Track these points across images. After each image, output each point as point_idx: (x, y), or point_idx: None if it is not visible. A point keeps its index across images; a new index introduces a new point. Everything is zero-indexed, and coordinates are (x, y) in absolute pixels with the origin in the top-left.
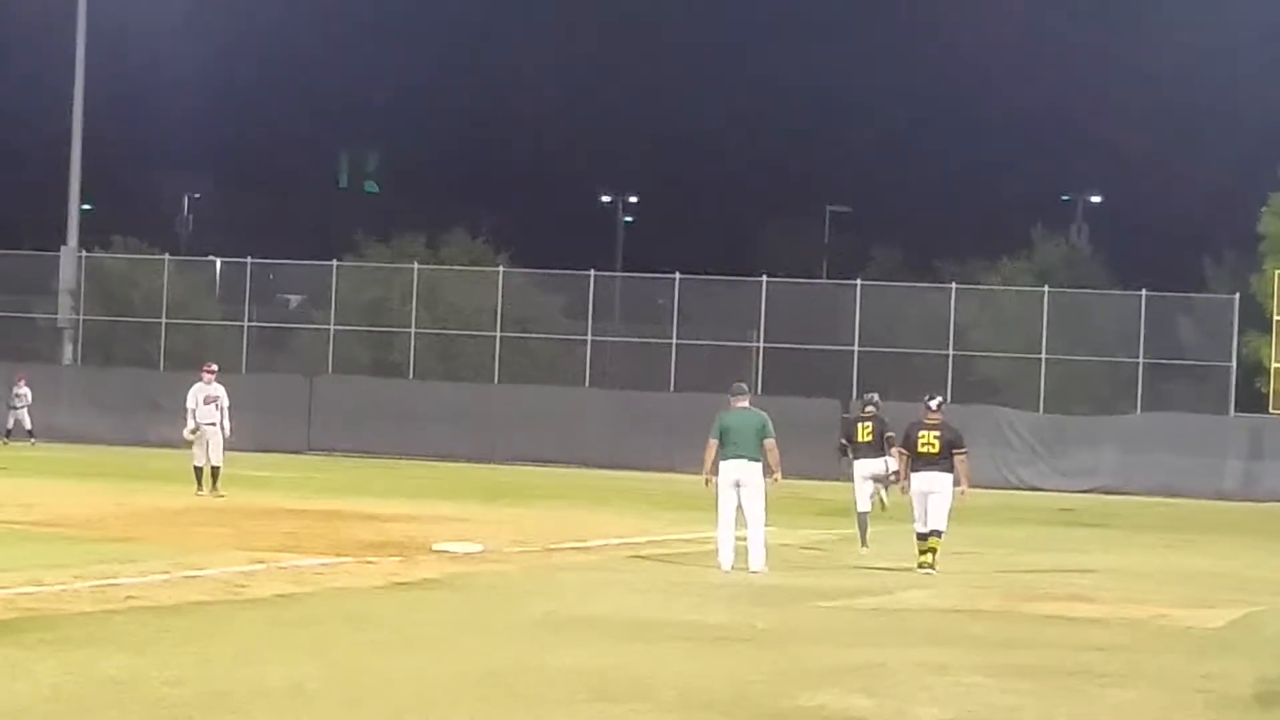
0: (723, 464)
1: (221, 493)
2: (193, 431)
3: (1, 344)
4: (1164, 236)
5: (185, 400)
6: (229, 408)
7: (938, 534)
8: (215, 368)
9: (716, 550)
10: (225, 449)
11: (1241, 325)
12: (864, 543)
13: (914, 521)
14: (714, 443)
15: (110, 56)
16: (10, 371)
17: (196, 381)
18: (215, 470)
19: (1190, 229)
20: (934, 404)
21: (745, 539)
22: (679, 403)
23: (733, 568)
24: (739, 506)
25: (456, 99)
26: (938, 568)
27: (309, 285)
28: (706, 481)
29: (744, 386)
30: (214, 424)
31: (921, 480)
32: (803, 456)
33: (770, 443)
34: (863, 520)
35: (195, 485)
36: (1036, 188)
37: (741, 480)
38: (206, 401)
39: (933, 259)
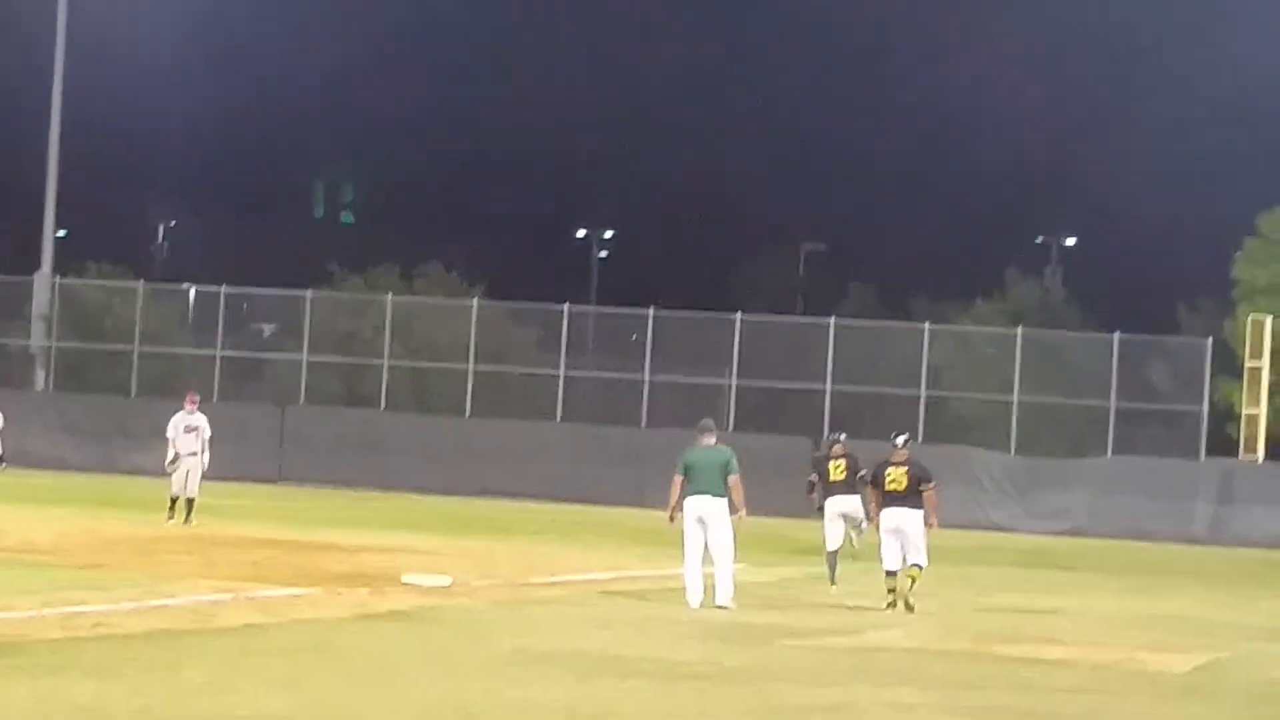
0: (687, 500)
1: (194, 522)
2: (172, 462)
3: None
4: (1137, 280)
5: (165, 430)
6: (210, 439)
7: (918, 567)
8: (198, 398)
9: (684, 588)
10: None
11: (1214, 370)
12: (833, 581)
13: (881, 561)
14: (679, 479)
15: (88, 84)
16: None
17: (178, 411)
18: (190, 501)
19: (1164, 273)
20: (900, 441)
21: (713, 576)
22: (651, 438)
23: (701, 604)
24: (705, 544)
25: (433, 132)
26: (915, 602)
27: (282, 315)
28: (671, 518)
29: (710, 423)
30: (194, 454)
31: (890, 517)
32: (775, 494)
33: (735, 479)
34: (832, 559)
35: (167, 513)
36: (1011, 230)
37: (705, 517)
38: (187, 431)
39: (907, 298)
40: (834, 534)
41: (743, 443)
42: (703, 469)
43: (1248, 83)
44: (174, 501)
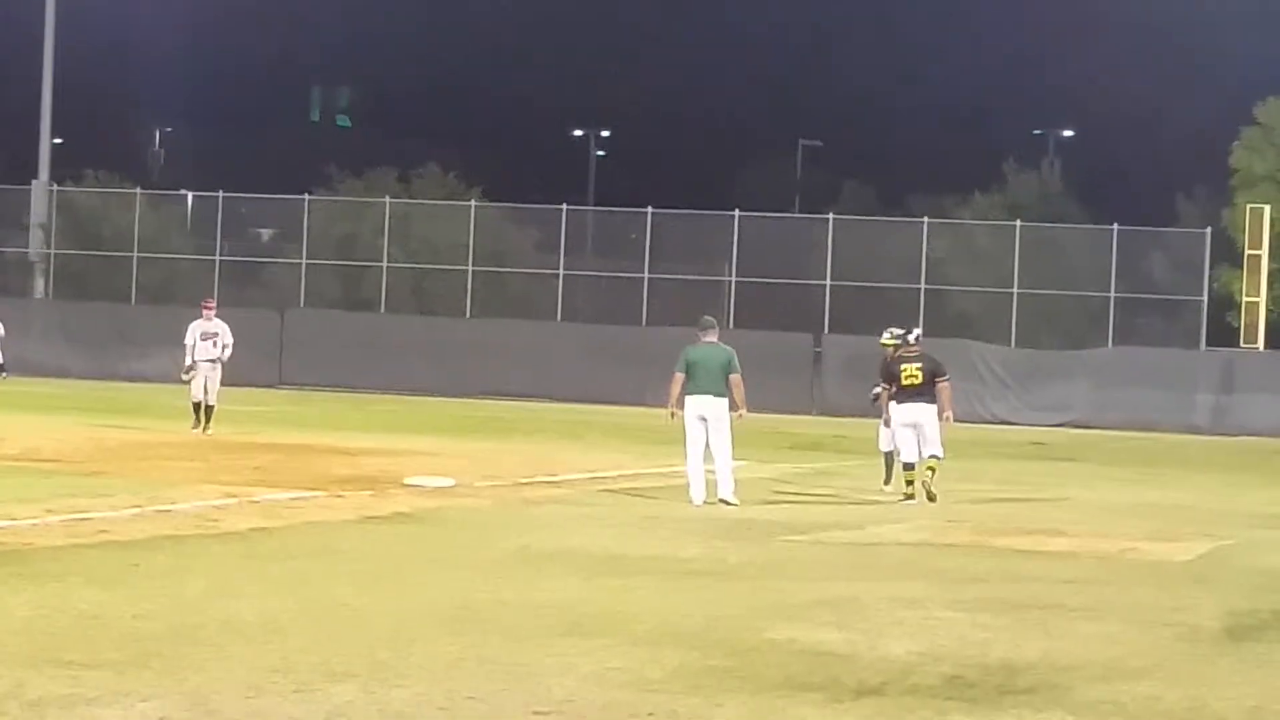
0: (689, 399)
1: (210, 430)
2: (188, 369)
3: None
4: (1136, 171)
5: (171, 336)
6: (231, 343)
7: (935, 457)
8: (213, 303)
9: (688, 485)
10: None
11: (1213, 260)
12: (888, 480)
13: (898, 454)
14: (679, 376)
15: None
16: None
17: (195, 319)
18: (209, 409)
19: (1162, 164)
20: (912, 337)
21: (714, 473)
22: (651, 337)
23: (704, 501)
24: (706, 441)
25: (429, 34)
26: (937, 491)
27: (281, 220)
28: (671, 415)
29: (712, 320)
30: (212, 361)
31: (907, 412)
32: (774, 390)
33: (736, 378)
34: (890, 459)
35: (191, 421)
36: (1008, 123)
37: (707, 415)
38: (204, 338)
39: (905, 194)
40: (902, 442)
41: (742, 340)
42: (704, 367)
43: None
44: (197, 409)
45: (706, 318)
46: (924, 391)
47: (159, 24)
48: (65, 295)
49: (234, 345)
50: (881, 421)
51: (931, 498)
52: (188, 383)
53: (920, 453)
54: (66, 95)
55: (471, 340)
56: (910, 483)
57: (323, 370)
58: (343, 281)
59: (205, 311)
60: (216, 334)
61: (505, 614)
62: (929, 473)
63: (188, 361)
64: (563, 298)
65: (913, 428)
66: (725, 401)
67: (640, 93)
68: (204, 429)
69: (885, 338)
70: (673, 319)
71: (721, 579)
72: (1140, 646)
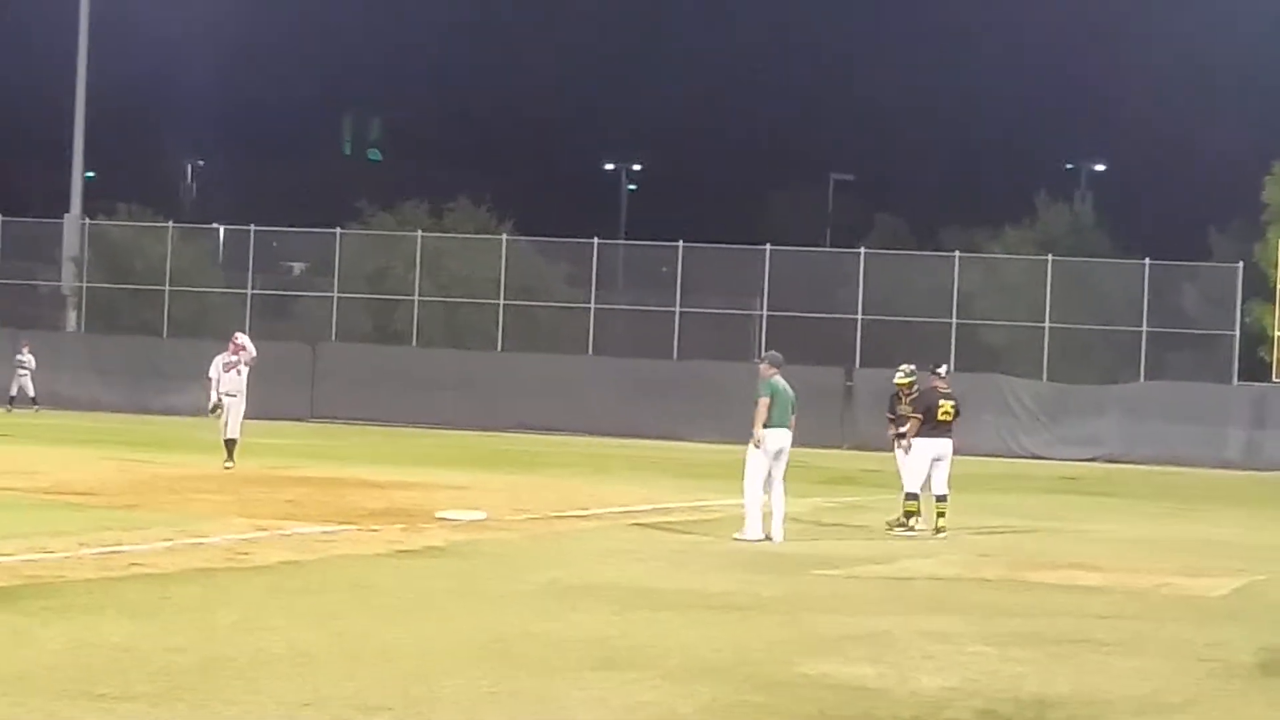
0: (768, 431)
1: (232, 464)
2: (214, 408)
3: (5, 311)
4: (1168, 205)
5: (204, 370)
6: (254, 353)
7: (945, 499)
8: (242, 339)
9: (745, 519)
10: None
11: (1245, 294)
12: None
13: (919, 487)
14: (767, 401)
15: (114, 24)
16: (14, 338)
17: (221, 352)
18: (230, 442)
19: (1194, 197)
20: (942, 370)
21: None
22: (682, 370)
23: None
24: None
25: (461, 67)
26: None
27: (312, 253)
28: (758, 442)
29: (780, 357)
30: (236, 394)
31: (936, 446)
32: (805, 425)
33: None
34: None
35: (224, 456)
36: (1040, 156)
37: (783, 449)
38: (227, 369)
39: (936, 227)
40: (919, 473)
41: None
42: (781, 401)
43: (1276, 3)
44: (229, 445)
45: (776, 354)
46: (952, 428)
47: (191, 57)
48: (97, 328)
49: (267, 379)
50: (901, 449)
51: (941, 530)
52: (217, 418)
53: (932, 487)
54: (99, 128)
55: (503, 374)
56: (910, 514)
57: (354, 403)
58: (374, 315)
59: (232, 346)
60: (238, 361)
61: (536, 647)
62: (940, 518)
63: (214, 397)
64: (594, 331)
65: (935, 461)
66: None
67: (672, 126)
68: (225, 462)
69: (899, 377)
70: (704, 352)
71: (753, 613)
72: (1174, 682)
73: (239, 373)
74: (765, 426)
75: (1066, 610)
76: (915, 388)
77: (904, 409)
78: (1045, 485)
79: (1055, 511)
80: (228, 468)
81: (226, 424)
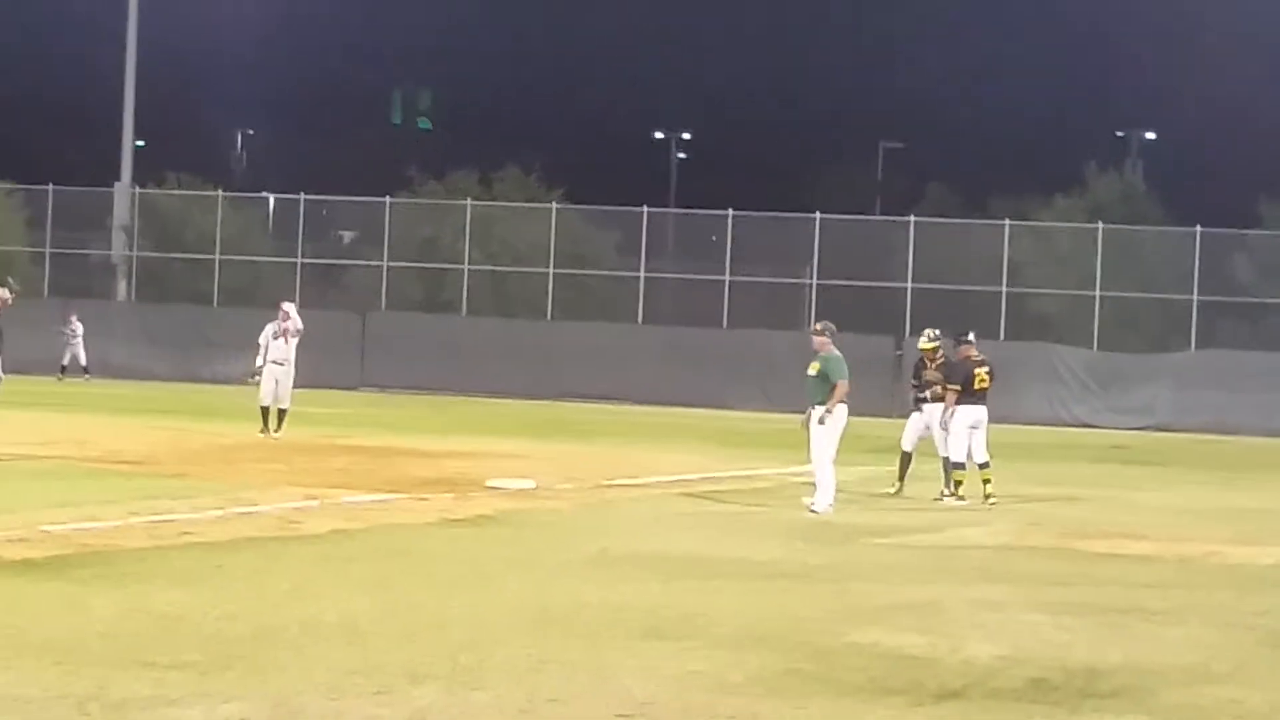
0: (841, 407)
1: (280, 434)
2: (256, 372)
3: (57, 280)
4: (1219, 173)
5: (256, 337)
6: (301, 327)
7: (989, 466)
8: (289, 307)
9: (825, 489)
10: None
11: None
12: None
13: (959, 455)
14: (847, 386)
15: None
16: (64, 308)
17: (273, 320)
18: (281, 412)
19: (1245, 165)
20: (971, 338)
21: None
22: (732, 339)
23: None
24: None
25: (511, 36)
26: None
27: (362, 222)
28: (821, 419)
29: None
30: (284, 363)
31: (974, 413)
32: (855, 393)
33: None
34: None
35: (260, 425)
36: (1090, 124)
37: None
38: (276, 336)
39: (986, 196)
40: (961, 442)
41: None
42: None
43: None
44: (265, 413)
45: (832, 325)
46: (986, 395)
47: (240, 26)
48: (147, 297)
49: (317, 348)
50: (939, 424)
51: (989, 497)
52: (256, 385)
53: (973, 455)
54: (148, 98)
55: (552, 342)
56: (960, 483)
57: (404, 372)
58: (424, 284)
59: (281, 314)
60: (288, 329)
61: (586, 616)
62: (987, 484)
63: (258, 362)
64: (643, 300)
65: (972, 429)
66: None
67: (722, 95)
68: (274, 431)
69: (924, 342)
70: (753, 321)
71: (802, 581)
72: (1223, 650)
73: (286, 341)
74: (844, 401)
75: (1116, 579)
76: (940, 353)
77: (930, 375)
78: (1095, 454)
79: (1105, 480)
80: (270, 436)
81: (272, 392)
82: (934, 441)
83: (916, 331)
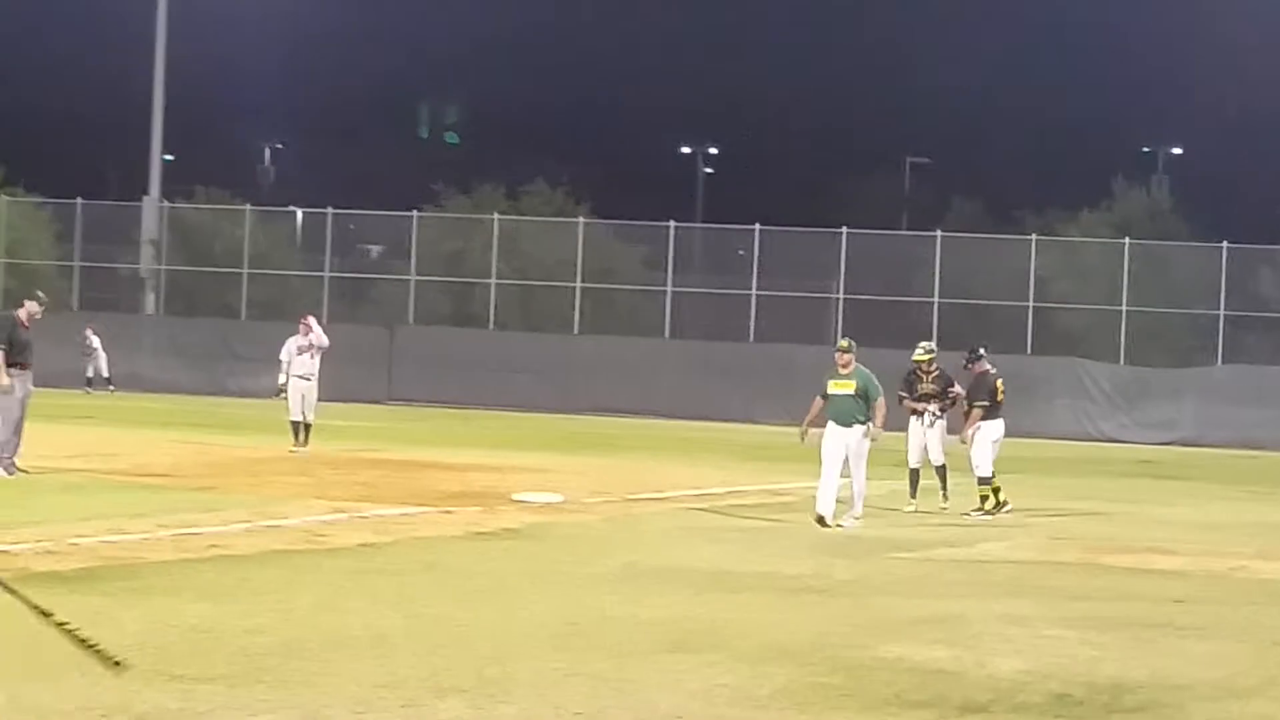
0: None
1: (308, 448)
2: (282, 388)
3: (85, 294)
4: (1245, 188)
5: (278, 352)
6: (326, 342)
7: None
8: (311, 319)
9: (861, 501)
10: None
11: None
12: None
13: (987, 470)
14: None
15: (192, 6)
16: (81, 321)
17: (294, 334)
18: (307, 426)
19: (1272, 181)
20: (983, 352)
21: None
22: (759, 353)
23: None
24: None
25: (537, 50)
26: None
27: (390, 236)
28: (875, 436)
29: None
30: (307, 377)
31: (999, 428)
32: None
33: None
34: (918, 475)
35: (291, 439)
36: (1117, 140)
37: None
38: (300, 352)
39: (1013, 210)
40: (988, 456)
41: None
42: None
43: None
44: (295, 427)
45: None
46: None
47: (268, 41)
48: (175, 311)
49: (345, 361)
50: (961, 439)
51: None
52: (284, 399)
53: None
54: (177, 112)
55: (579, 356)
56: (985, 498)
57: (431, 386)
58: (451, 298)
59: (303, 328)
60: (311, 345)
61: (612, 630)
62: (985, 500)
63: (281, 379)
64: (670, 314)
65: (995, 442)
66: None
67: (748, 109)
68: (301, 445)
69: (919, 354)
70: (780, 335)
71: (829, 596)
72: (1251, 665)
73: (311, 356)
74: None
75: (1143, 594)
76: (935, 366)
77: (926, 388)
78: (1122, 469)
79: (1131, 495)
80: (293, 451)
81: (297, 407)
82: (929, 453)
83: (944, 346)
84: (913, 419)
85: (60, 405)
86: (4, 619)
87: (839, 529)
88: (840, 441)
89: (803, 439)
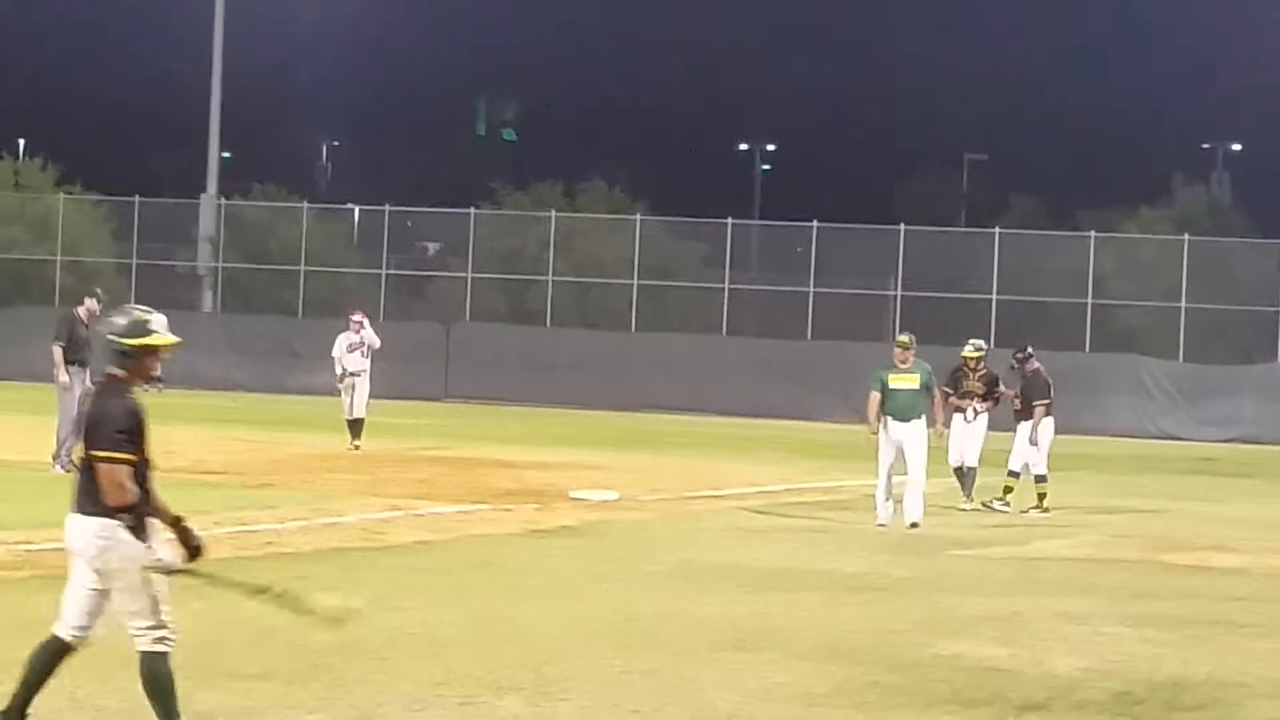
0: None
1: (360, 445)
2: (341, 380)
3: (143, 291)
4: None
5: (332, 349)
6: (378, 342)
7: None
8: (360, 315)
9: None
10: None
11: None
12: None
13: (1044, 467)
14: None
15: (251, 4)
16: None
17: (344, 330)
18: (357, 422)
19: None
20: (1031, 351)
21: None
22: (816, 351)
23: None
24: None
25: (595, 48)
26: None
27: (447, 233)
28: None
29: None
30: (358, 373)
31: (1053, 426)
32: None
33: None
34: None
35: (348, 439)
36: (1176, 136)
37: None
38: (350, 349)
39: (1071, 208)
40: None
41: None
42: None
43: None
44: (350, 425)
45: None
46: None
47: (325, 39)
48: (233, 308)
49: (401, 359)
50: (1031, 440)
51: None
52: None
53: (1032, 465)
54: (234, 110)
55: (636, 354)
56: (1044, 495)
57: (488, 383)
58: (508, 295)
59: (352, 324)
60: (362, 343)
61: (669, 627)
62: (1009, 492)
63: (338, 372)
64: (728, 311)
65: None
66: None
67: (806, 107)
68: (353, 441)
69: (969, 350)
70: (838, 333)
71: (886, 594)
72: None
73: (363, 354)
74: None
75: (1203, 592)
76: (983, 365)
77: (972, 385)
78: (1181, 466)
79: (1191, 492)
80: (355, 448)
81: (350, 404)
82: (948, 451)
83: (1001, 344)
84: (956, 416)
85: None
86: None
87: (912, 528)
88: (896, 439)
89: (874, 433)
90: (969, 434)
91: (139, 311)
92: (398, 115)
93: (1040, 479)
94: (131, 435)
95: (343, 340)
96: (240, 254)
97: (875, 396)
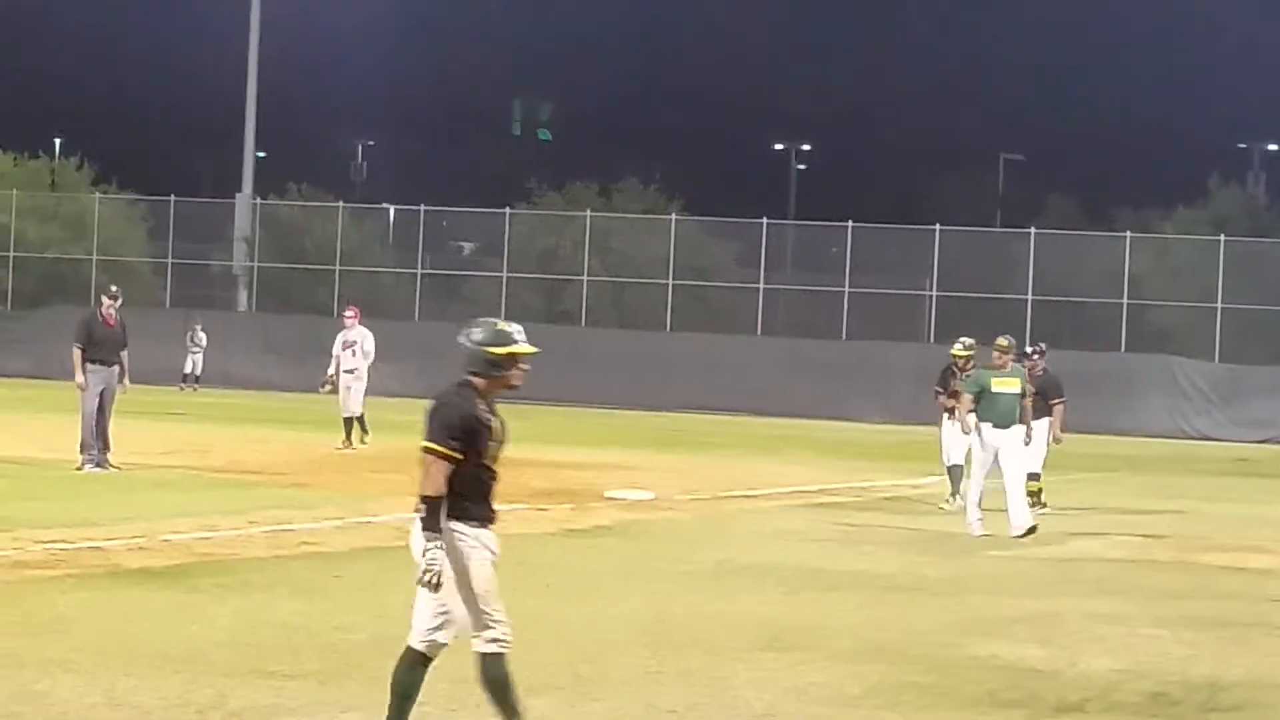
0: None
1: (348, 446)
2: (325, 382)
3: (179, 290)
4: None
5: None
6: (371, 351)
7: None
8: (354, 311)
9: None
10: (366, 395)
11: None
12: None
13: (1036, 465)
14: None
15: (285, 6)
16: (185, 318)
17: (341, 330)
18: (348, 420)
19: None
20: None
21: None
22: (851, 351)
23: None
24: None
25: (630, 48)
26: None
27: (482, 233)
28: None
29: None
30: (351, 371)
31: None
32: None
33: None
34: (958, 471)
35: (360, 435)
36: (1213, 136)
37: None
38: (345, 347)
39: (1107, 208)
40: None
41: (944, 354)
42: None
43: None
44: (346, 423)
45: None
46: None
47: (361, 39)
48: (268, 308)
49: (437, 359)
50: (1055, 439)
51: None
52: (326, 394)
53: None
54: (270, 110)
55: (671, 354)
56: (1039, 492)
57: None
58: (543, 295)
59: (346, 320)
60: (356, 342)
61: (704, 627)
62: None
63: (329, 371)
64: (763, 311)
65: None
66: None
67: (841, 107)
68: (344, 443)
69: (958, 349)
70: (873, 333)
71: (921, 594)
72: None
73: (354, 353)
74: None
75: (1238, 593)
76: (973, 364)
77: (959, 385)
78: (1217, 467)
79: (1226, 493)
80: (348, 448)
81: (344, 403)
82: (952, 451)
83: (1036, 343)
84: (945, 416)
85: (154, 402)
86: (98, 617)
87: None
88: (994, 446)
89: (967, 431)
90: (958, 433)
91: (499, 323)
92: (433, 115)
93: (1033, 476)
94: (456, 436)
95: (341, 338)
96: (275, 253)
97: (968, 398)
